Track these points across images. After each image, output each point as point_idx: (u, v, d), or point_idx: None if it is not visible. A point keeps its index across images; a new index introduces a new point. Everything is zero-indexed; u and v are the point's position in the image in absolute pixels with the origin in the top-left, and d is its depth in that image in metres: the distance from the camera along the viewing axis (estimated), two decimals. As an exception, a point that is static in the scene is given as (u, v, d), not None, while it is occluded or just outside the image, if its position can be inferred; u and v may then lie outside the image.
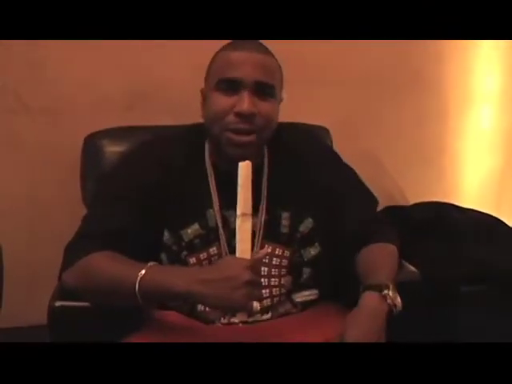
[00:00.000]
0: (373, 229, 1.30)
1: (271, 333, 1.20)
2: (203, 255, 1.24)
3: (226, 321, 1.23)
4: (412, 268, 1.41)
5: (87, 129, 1.66)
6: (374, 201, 1.39)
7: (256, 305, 1.09)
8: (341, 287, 1.32)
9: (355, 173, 1.38)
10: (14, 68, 1.79)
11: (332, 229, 1.30)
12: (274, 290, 1.26)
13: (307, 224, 1.29)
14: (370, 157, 2.12)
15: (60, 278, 1.22)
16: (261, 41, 1.25)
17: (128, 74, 1.86)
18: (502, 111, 2.29)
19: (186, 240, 1.24)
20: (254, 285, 1.08)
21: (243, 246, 1.11)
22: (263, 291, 1.24)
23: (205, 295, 1.08)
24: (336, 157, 1.40)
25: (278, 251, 1.26)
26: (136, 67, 1.86)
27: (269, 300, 1.25)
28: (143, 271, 1.11)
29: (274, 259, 1.26)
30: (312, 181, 1.30)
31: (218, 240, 1.24)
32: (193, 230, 1.24)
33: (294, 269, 1.28)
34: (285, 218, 1.27)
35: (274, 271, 1.26)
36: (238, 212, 1.12)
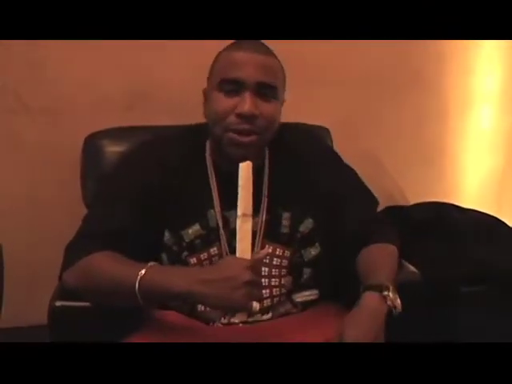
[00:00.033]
0: (373, 229, 1.30)
1: (271, 333, 1.20)
2: (204, 255, 1.24)
3: (226, 321, 1.23)
4: (412, 268, 1.41)
5: (87, 129, 1.66)
6: (375, 201, 1.39)
7: (256, 305, 1.09)
8: (341, 287, 1.32)
9: (355, 173, 1.38)
10: (14, 68, 1.79)
11: (332, 229, 1.30)
12: (274, 290, 1.26)
13: (307, 224, 1.29)
14: (370, 157, 2.12)
15: (60, 277, 1.22)
16: (261, 41, 1.25)
17: (128, 74, 1.86)
18: (503, 111, 2.29)
19: (187, 240, 1.24)
20: (254, 285, 1.08)
21: (243, 246, 1.11)
22: (263, 291, 1.24)
23: (205, 295, 1.08)
24: (336, 157, 1.40)
25: (278, 251, 1.27)
26: (136, 67, 1.86)
27: (269, 300, 1.25)
28: (143, 271, 1.11)
29: (275, 259, 1.26)
30: (312, 181, 1.31)
31: (219, 240, 1.24)
32: (193, 230, 1.24)
33: (294, 269, 1.28)
34: (285, 218, 1.27)
35: (274, 271, 1.26)
36: (239, 212, 1.12)
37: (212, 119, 1.23)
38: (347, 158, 1.40)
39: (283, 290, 1.27)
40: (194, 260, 1.24)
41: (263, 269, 1.22)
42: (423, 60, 2.12)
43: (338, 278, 1.32)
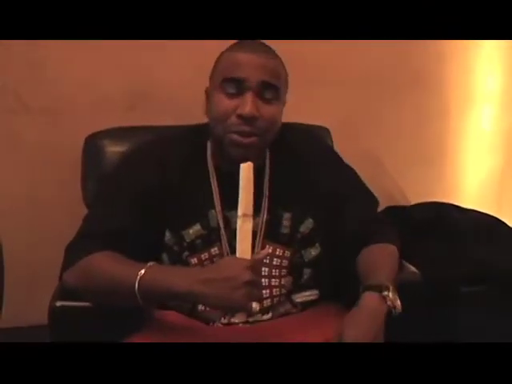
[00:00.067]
0: (373, 229, 1.30)
1: (271, 333, 1.20)
2: (204, 255, 1.24)
3: (226, 321, 1.23)
4: (412, 268, 1.41)
5: (87, 129, 1.66)
6: (375, 201, 1.39)
7: (255, 306, 1.09)
8: (341, 287, 1.32)
9: (356, 173, 1.38)
10: (14, 68, 1.79)
11: (332, 229, 1.30)
12: (274, 290, 1.26)
13: (308, 224, 1.29)
14: (370, 157, 2.12)
15: (61, 277, 1.22)
16: (261, 40, 1.25)
17: (128, 74, 1.86)
18: (503, 111, 2.29)
19: (188, 240, 1.24)
20: (254, 285, 1.08)
21: (243, 247, 1.11)
22: (264, 291, 1.24)
23: (205, 295, 1.08)
24: (337, 157, 1.40)
25: (278, 252, 1.27)
26: (136, 67, 1.86)
27: (269, 300, 1.25)
28: (143, 271, 1.11)
29: (275, 260, 1.26)
30: (313, 181, 1.31)
31: (220, 240, 1.24)
32: (194, 230, 1.24)
33: (294, 269, 1.28)
34: (286, 219, 1.27)
35: (274, 272, 1.26)
36: (239, 213, 1.12)
37: (213, 120, 1.23)
38: (347, 158, 1.40)
39: (283, 291, 1.27)
40: (194, 260, 1.24)
41: (263, 269, 1.22)
42: (423, 60, 2.12)
43: (338, 278, 1.32)
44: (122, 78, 1.86)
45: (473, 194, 2.30)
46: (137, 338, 1.19)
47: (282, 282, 1.27)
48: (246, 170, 1.13)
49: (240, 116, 1.17)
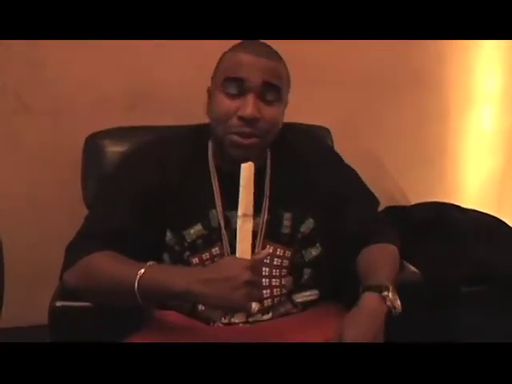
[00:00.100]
0: (373, 229, 1.30)
1: (272, 333, 1.20)
2: (206, 255, 1.24)
3: (226, 321, 1.23)
4: (413, 268, 1.41)
5: (88, 129, 1.66)
6: (375, 201, 1.39)
7: (254, 306, 1.09)
8: (341, 287, 1.32)
9: (356, 173, 1.39)
10: (14, 68, 1.79)
11: (333, 229, 1.30)
12: (274, 290, 1.26)
13: (308, 224, 1.29)
14: (370, 157, 2.12)
15: (61, 277, 1.22)
16: (262, 41, 1.25)
17: (128, 74, 1.86)
18: (503, 111, 2.29)
19: (189, 240, 1.24)
20: (254, 285, 1.08)
21: (243, 246, 1.11)
22: (264, 291, 1.24)
23: (204, 295, 1.07)
24: (337, 157, 1.40)
25: (279, 252, 1.27)
26: (136, 67, 1.86)
27: (269, 300, 1.25)
28: (142, 270, 1.11)
29: (275, 260, 1.26)
30: (313, 181, 1.31)
31: (221, 240, 1.24)
32: (195, 230, 1.24)
33: (294, 269, 1.28)
34: (286, 219, 1.27)
35: (274, 272, 1.26)
36: (239, 212, 1.12)
37: (214, 120, 1.23)
38: (348, 158, 1.40)
39: (284, 291, 1.27)
40: (195, 260, 1.24)
41: (264, 269, 1.23)
42: (423, 60, 2.12)
43: (339, 279, 1.32)
44: (121, 78, 1.86)
45: (473, 193, 2.30)
46: (137, 338, 1.19)
47: (283, 282, 1.27)
48: (246, 169, 1.13)
49: (241, 117, 1.17)
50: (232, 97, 1.19)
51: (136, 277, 1.10)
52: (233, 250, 1.20)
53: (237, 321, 1.23)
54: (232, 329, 1.23)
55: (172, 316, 1.25)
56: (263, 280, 1.22)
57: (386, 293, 1.11)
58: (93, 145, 1.63)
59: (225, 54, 1.24)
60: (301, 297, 1.29)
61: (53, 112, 1.84)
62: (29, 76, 1.80)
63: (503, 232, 1.91)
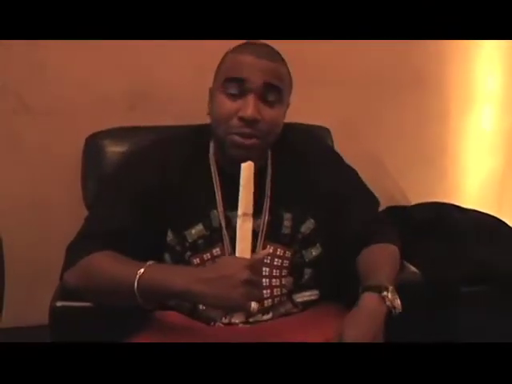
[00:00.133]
0: (374, 229, 1.30)
1: (272, 333, 1.20)
2: (207, 256, 1.24)
3: (226, 321, 1.23)
4: (413, 268, 1.41)
5: (88, 129, 1.66)
6: (376, 201, 1.39)
7: (254, 306, 1.09)
8: (342, 288, 1.32)
9: (357, 173, 1.38)
10: (15, 68, 1.79)
11: (333, 229, 1.30)
12: (275, 290, 1.26)
13: (309, 225, 1.29)
14: (371, 157, 2.12)
15: (62, 277, 1.22)
16: (263, 41, 1.25)
17: (128, 74, 1.86)
18: (504, 111, 2.29)
19: (190, 240, 1.24)
20: (253, 284, 1.08)
21: (243, 246, 1.11)
22: (264, 291, 1.24)
23: (203, 294, 1.08)
24: (337, 157, 1.40)
25: (279, 252, 1.27)
26: (136, 67, 1.86)
27: (270, 300, 1.25)
28: (142, 270, 1.11)
29: (276, 260, 1.26)
30: (313, 181, 1.31)
31: (222, 241, 1.24)
32: (197, 230, 1.24)
33: (295, 269, 1.28)
34: (287, 219, 1.27)
35: (275, 272, 1.26)
36: (239, 212, 1.12)
37: (215, 121, 1.22)
38: (348, 159, 1.40)
39: (284, 291, 1.27)
40: (197, 260, 1.24)
41: (264, 269, 1.22)
42: (423, 60, 2.12)
43: (339, 279, 1.32)
44: (121, 78, 1.85)
45: (473, 194, 2.30)
46: (137, 338, 1.19)
47: (283, 282, 1.27)
48: (246, 169, 1.13)
49: (241, 118, 1.17)
50: (233, 97, 1.18)
51: (136, 276, 1.10)
52: (234, 251, 1.20)
53: (237, 321, 1.23)
54: (232, 329, 1.23)
55: (172, 316, 1.25)
56: (263, 280, 1.22)
57: (385, 293, 1.11)
58: (93, 145, 1.64)
59: (227, 54, 1.24)
60: (301, 297, 1.29)
61: (53, 112, 1.84)
62: (29, 76, 1.80)
63: (503, 232, 1.91)
